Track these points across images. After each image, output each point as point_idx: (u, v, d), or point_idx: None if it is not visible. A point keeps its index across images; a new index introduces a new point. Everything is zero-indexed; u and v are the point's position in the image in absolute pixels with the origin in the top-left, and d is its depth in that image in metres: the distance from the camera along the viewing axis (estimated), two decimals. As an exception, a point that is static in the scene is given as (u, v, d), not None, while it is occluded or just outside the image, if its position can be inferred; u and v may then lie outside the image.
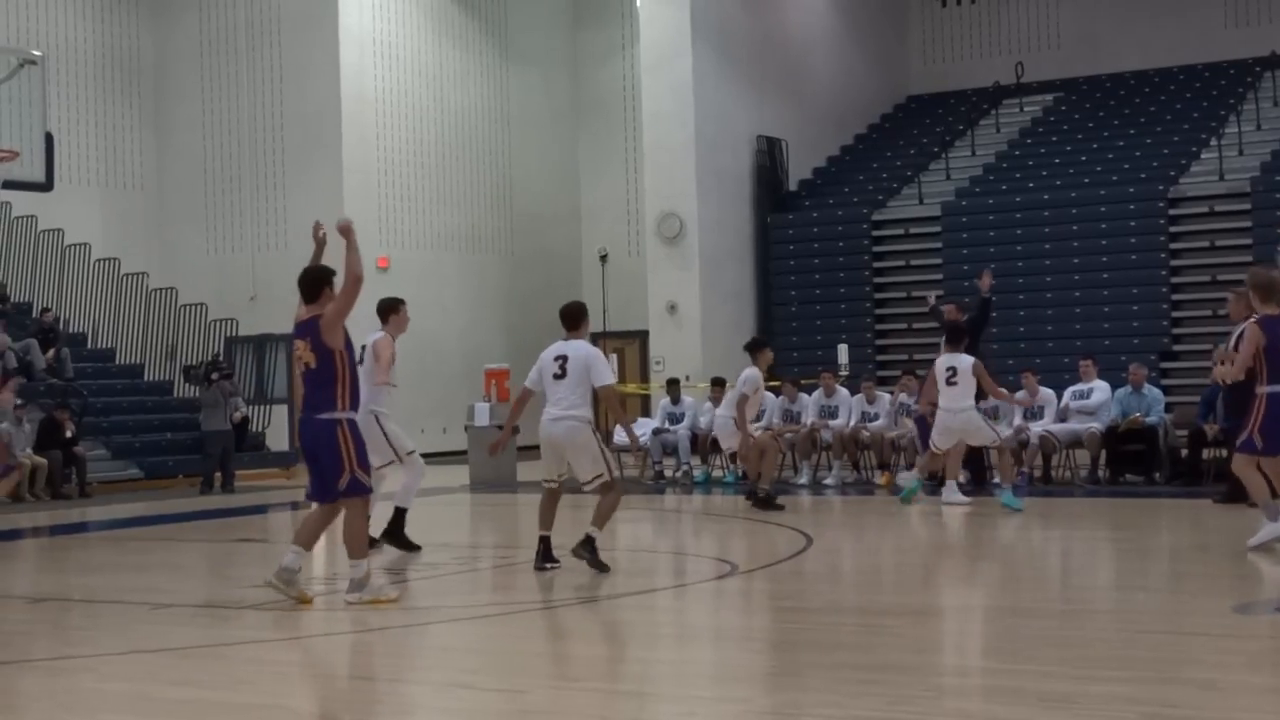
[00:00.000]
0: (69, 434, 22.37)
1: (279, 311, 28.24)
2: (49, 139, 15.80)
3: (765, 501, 16.49)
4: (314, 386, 10.14)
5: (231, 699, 7.53)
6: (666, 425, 22.28)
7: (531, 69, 32.88)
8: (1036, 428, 19.70)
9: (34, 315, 26.93)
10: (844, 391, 21.41)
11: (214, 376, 23.57)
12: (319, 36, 29.08)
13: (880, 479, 20.10)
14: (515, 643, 8.94)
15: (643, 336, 29.74)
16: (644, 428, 22.18)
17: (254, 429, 26.29)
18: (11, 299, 27.37)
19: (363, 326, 12.76)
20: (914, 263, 27.85)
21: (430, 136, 30.62)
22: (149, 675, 8.39)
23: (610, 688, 7.90)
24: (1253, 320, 11.89)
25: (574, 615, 10.09)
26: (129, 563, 11.99)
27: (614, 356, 31.34)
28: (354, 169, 29.07)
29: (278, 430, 27.47)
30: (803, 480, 20.55)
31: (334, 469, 9.92)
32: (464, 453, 23.77)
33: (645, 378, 29.38)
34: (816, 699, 7.32)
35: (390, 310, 13.35)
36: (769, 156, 29.14)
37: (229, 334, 27.79)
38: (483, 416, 23.18)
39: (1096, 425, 19.64)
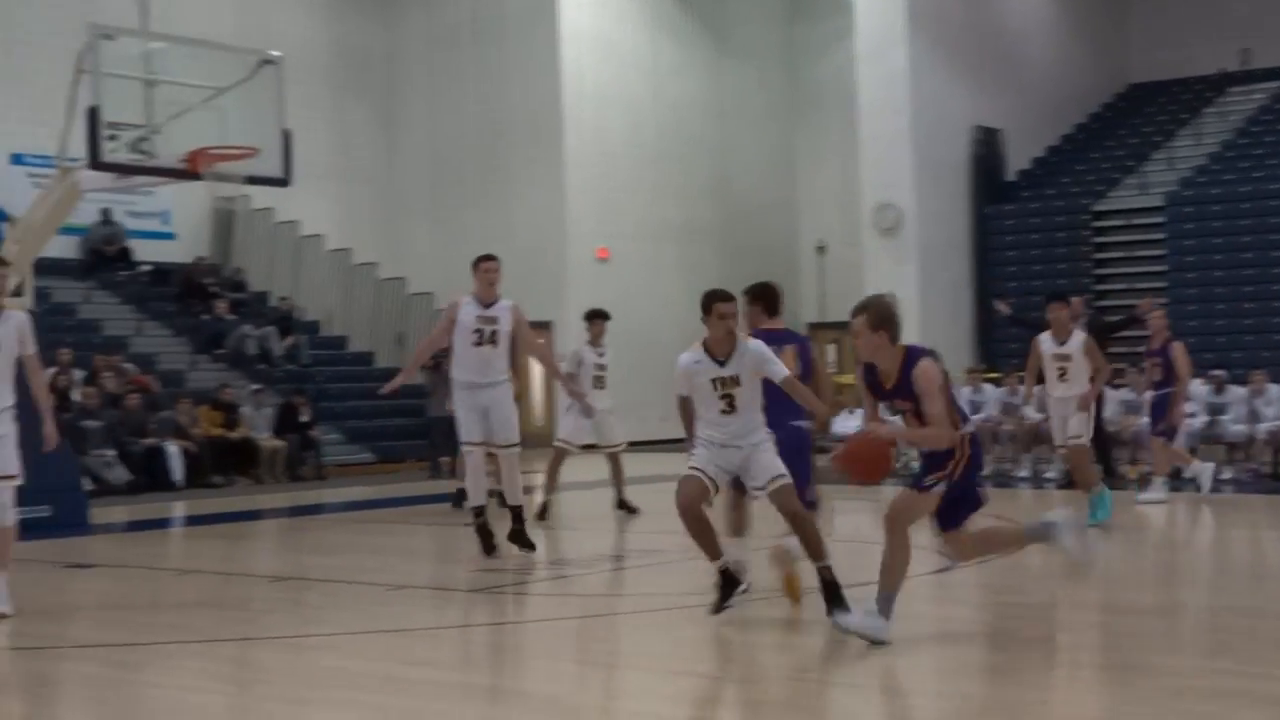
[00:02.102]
0: (305, 419, 23.21)
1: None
2: (286, 136, 16.36)
3: None
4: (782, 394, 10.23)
5: (466, 679, 7.86)
6: (886, 417, 22.26)
7: (747, 62, 33.04)
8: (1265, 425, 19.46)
9: (271, 304, 27.98)
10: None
11: (439, 364, 24.18)
12: (541, 33, 29.62)
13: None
14: (740, 633, 9.15)
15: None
16: (858, 421, 22.20)
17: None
18: (250, 288, 28.44)
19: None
20: (1137, 254, 27.44)
21: (648, 130, 30.98)
22: (387, 654, 8.76)
23: (831, 680, 8.08)
24: None
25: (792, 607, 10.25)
26: (364, 544, 12.51)
27: (833, 347, 31.47)
28: (574, 163, 29.57)
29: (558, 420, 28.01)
30: (1023, 473, 20.44)
31: (804, 476, 9.91)
32: (681, 440, 24.05)
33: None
34: (1038, 696, 7.39)
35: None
36: (986, 146, 28.94)
37: (454, 323, 28.43)
38: (701, 406, 23.40)
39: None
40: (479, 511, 12.35)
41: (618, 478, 16.17)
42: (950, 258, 27.97)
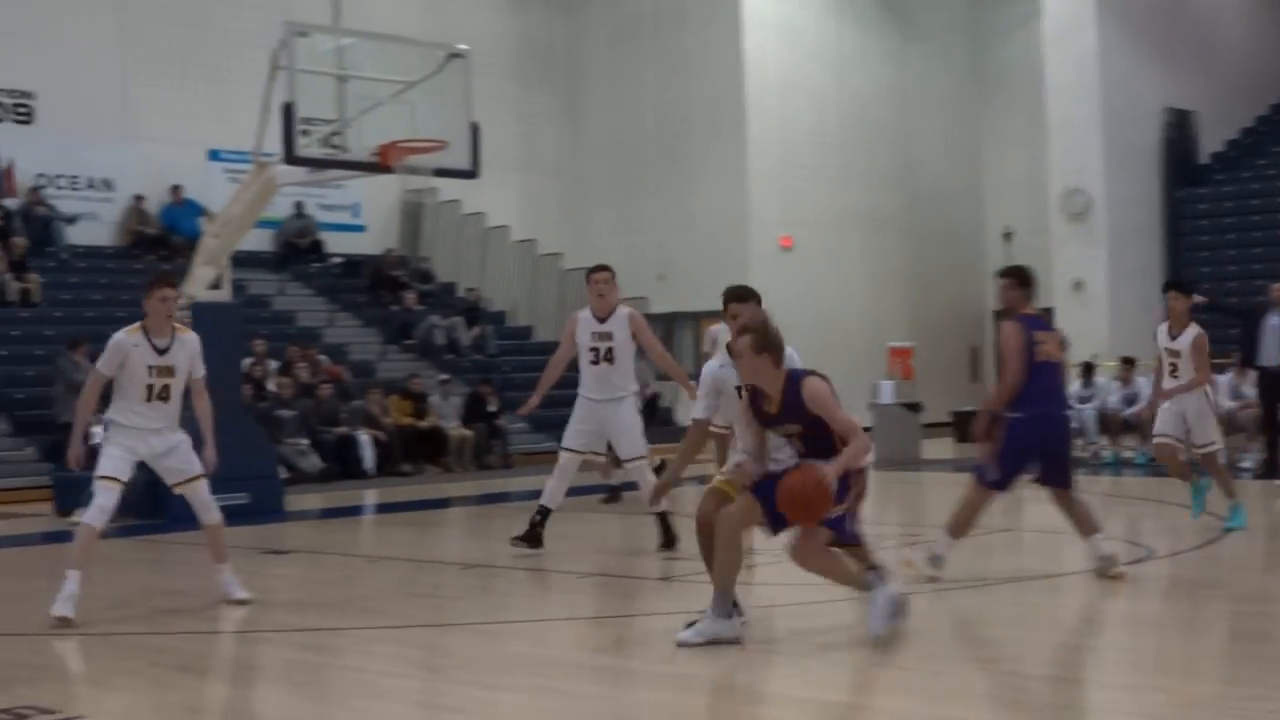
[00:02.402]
0: (492, 408, 23.51)
1: (685, 290, 29.02)
2: (474, 128, 16.56)
3: None
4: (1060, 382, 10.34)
5: (659, 669, 7.92)
6: (1075, 404, 22.01)
7: (932, 46, 32.72)
8: None
9: (459, 295, 28.39)
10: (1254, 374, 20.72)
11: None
12: (722, 22, 29.64)
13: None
14: (925, 622, 9.11)
15: (1048, 314, 29.32)
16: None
17: (663, 405, 27.05)
18: (438, 279, 28.89)
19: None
20: (1335, 238, 26.71)
21: (831, 117, 30.83)
22: (576, 642, 8.89)
23: (1026, 671, 8.00)
24: None
25: (979, 598, 10.18)
26: (551, 532, 12.61)
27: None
28: (757, 151, 29.55)
29: (685, 406, 28.16)
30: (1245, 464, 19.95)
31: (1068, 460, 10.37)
32: (869, 429, 23.96)
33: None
34: (1243, 692, 7.25)
35: None
36: (1178, 129, 28.35)
37: (639, 311, 28.60)
38: (887, 394, 23.35)
39: None
40: (545, 512, 12.22)
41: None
42: (1140, 243, 27.45)
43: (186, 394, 10.13)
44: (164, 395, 9.89)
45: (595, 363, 12.13)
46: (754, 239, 29.49)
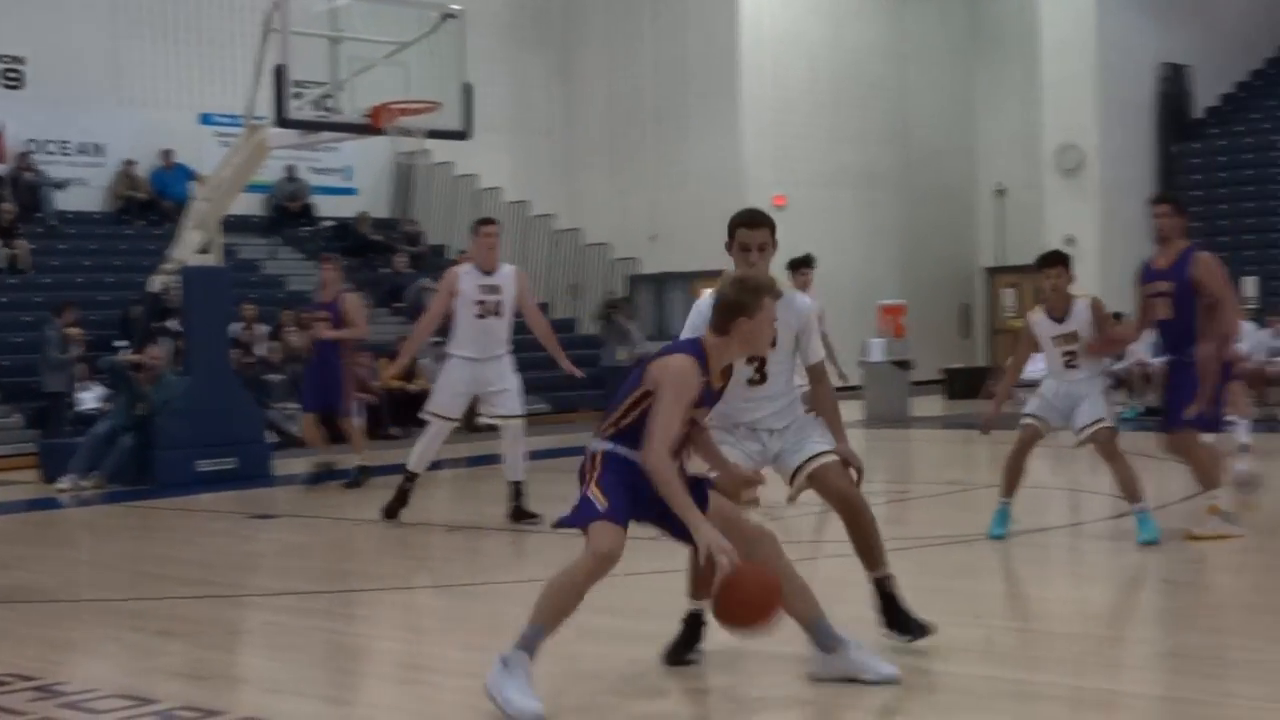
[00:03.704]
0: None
1: (678, 250, 28.95)
2: (468, 89, 16.49)
3: None
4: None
5: (640, 628, 7.90)
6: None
7: (927, 2, 32.58)
8: None
9: (450, 257, 28.30)
10: (1247, 326, 20.81)
11: (610, 314, 24.27)
12: (718, -22, 29.53)
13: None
14: (912, 578, 9.09)
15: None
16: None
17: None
18: (428, 241, 28.81)
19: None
20: (1328, 192, 26.67)
21: (826, 74, 30.71)
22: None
23: (1005, 625, 8.01)
24: None
25: (966, 553, 10.18)
26: (540, 493, 12.58)
27: (1011, 291, 31.01)
28: (751, 109, 29.44)
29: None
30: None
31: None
32: (858, 388, 23.95)
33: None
34: (1226, 642, 7.28)
35: None
36: (1174, 84, 28.27)
37: (629, 272, 28.61)
38: (877, 352, 23.34)
39: None
40: (410, 476, 12.08)
41: None
42: (1134, 198, 27.28)
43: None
44: None
45: (482, 316, 11.79)
46: (749, 197, 29.24)
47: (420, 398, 22.50)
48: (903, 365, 23.59)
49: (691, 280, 29.95)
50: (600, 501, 6.20)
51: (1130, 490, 9.90)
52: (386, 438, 21.70)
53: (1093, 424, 10.07)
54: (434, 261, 27.96)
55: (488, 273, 11.90)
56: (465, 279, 11.84)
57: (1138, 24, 27.65)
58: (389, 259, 26.87)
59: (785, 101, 29.97)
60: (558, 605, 6.22)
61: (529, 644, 6.20)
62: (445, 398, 12.01)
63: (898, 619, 6.93)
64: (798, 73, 30.19)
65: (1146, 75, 28.07)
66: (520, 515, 11.97)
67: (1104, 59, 27.04)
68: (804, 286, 14.70)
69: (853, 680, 6.30)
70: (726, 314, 6.18)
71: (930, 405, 24.38)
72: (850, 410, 22.63)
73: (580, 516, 6.27)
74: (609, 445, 6.31)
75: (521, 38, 30.99)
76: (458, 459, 19.07)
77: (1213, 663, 6.85)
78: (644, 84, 30.69)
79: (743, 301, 6.17)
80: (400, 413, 22.40)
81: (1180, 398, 9.81)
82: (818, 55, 30.57)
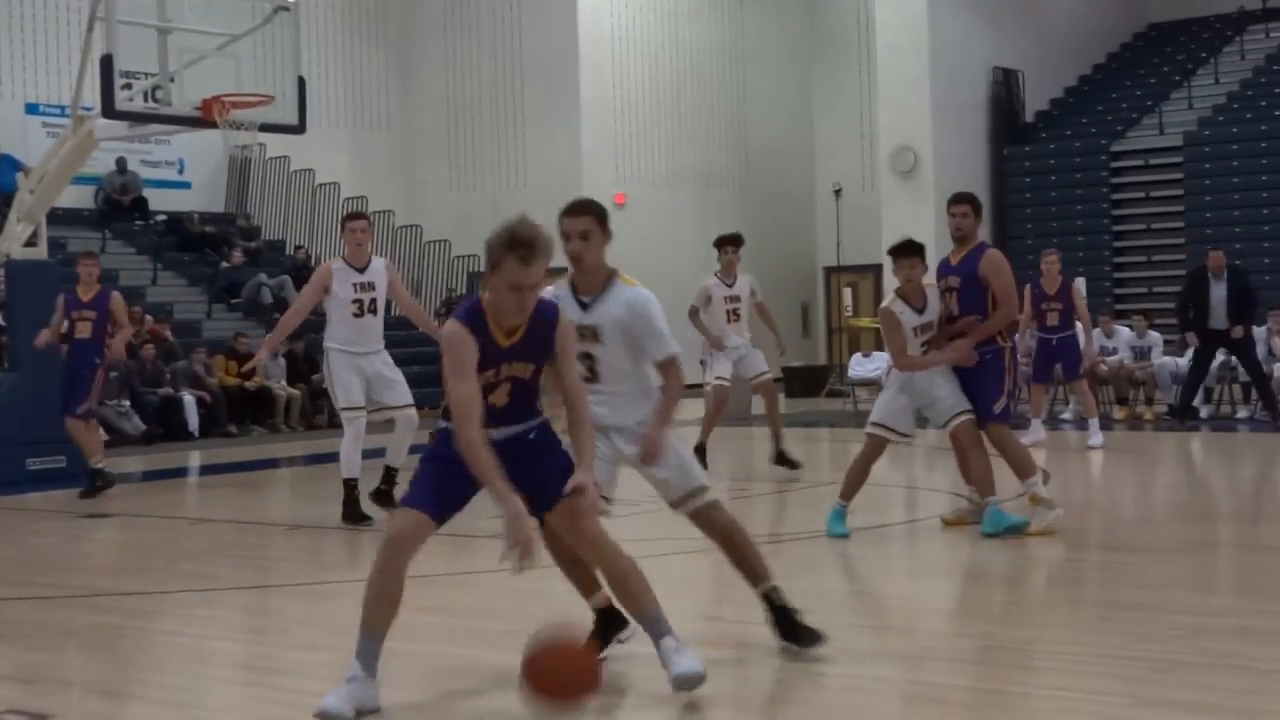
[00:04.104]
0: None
1: (518, 248, 28.84)
2: (302, 83, 16.30)
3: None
4: None
5: (481, 626, 7.86)
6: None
7: (766, 4, 32.84)
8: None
9: (287, 252, 27.96)
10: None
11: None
12: (557, -26, 29.48)
13: (1118, 413, 20.17)
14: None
15: (876, 271, 29.68)
16: (877, 362, 22.29)
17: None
18: (265, 236, 28.41)
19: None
20: (1154, 194, 27.31)
21: (666, 74, 30.83)
22: (404, 601, 8.78)
23: (842, 621, 8.06)
24: None
25: (806, 550, 10.25)
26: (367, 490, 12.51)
27: (848, 290, 31.36)
28: (591, 107, 29.45)
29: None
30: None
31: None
32: (698, 386, 24.03)
33: (878, 313, 29.30)
34: (1058, 635, 7.39)
35: None
36: (1005, 88, 28.79)
37: (471, 269, 28.45)
38: (717, 351, 23.38)
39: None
40: (352, 485, 11.72)
41: (774, 423, 14.84)
42: (967, 200, 27.84)
43: None
44: None
45: (359, 315, 11.64)
46: (588, 195, 29.35)
47: (257, 395, 22.32)
48: (742, 363, 23.67)
49: (531, 278, 29.89)
50: (409, 488, 6.15)
51: (986, 482, 10.06)
52: (224, 436, 21.40)
53: (957, 415, 10.17)
54: (271, 257, 27.60)
55: (360, 269, 11.75)
56: (339, 276, 11.67)
57: (970, 29, 28.12)
58: (225, 254, 26.44)
59: (625, 100, 30.04)
60: (369, 599, 6.18)
61: (361, 653, 6.15)
62: (343, 390, 11.74)
63: (791, 629, 6.90)
64: (637, 71, 30.27)
65: (979, 79, 28.56)
66: (384, 500, 11.83)
67: (936, 62, 27.45)
68: (728, 268, 14.79)
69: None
70: (487, 265, 5.97)
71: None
72: (688, 409, 22.81)
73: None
74: (442, 422, 6.21)
75: (357, 31, 30.70)
76: (294, 457, 18.87)
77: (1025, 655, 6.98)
78: (482, 80, 30.56)
79: (489, 254, 5.92)
80: (237, 411, 22.09)
81: (986, 391, 10.02)
82: (657, 54, 30.68)
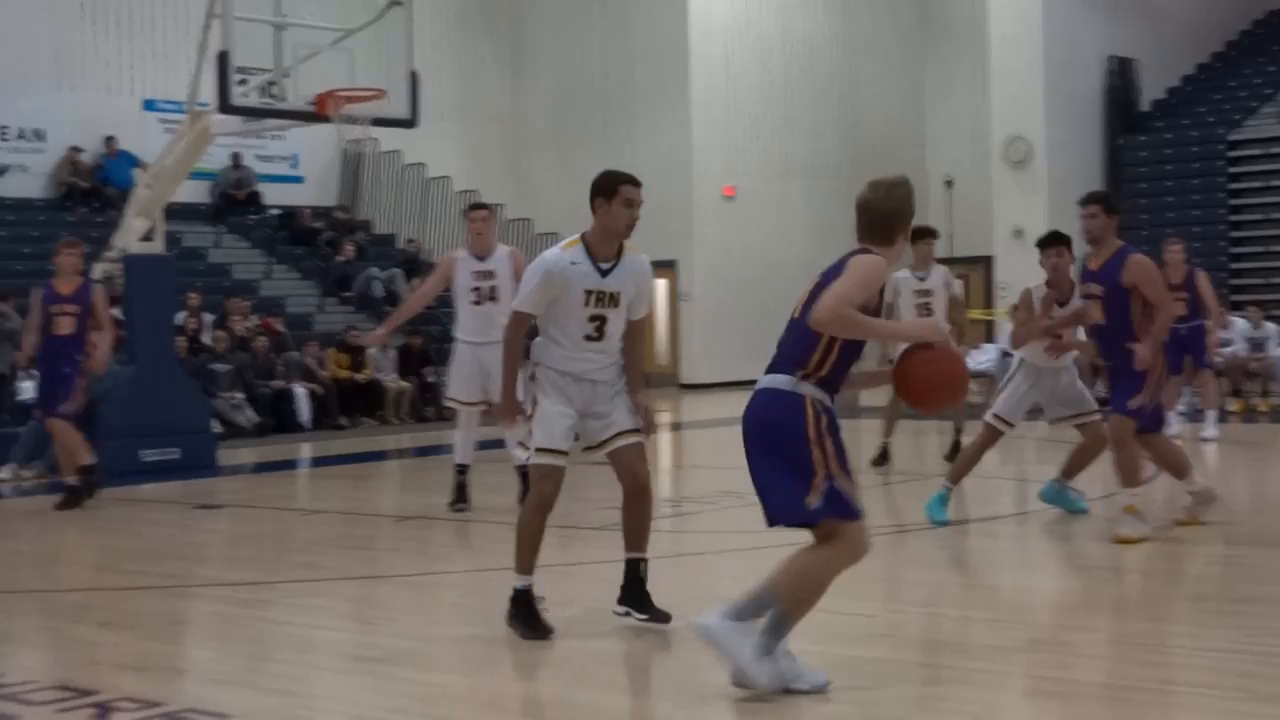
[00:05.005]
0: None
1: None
2: (414, 77, 16.38)
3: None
4: None
5: (583, 616, 7.83)
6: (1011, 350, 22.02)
7: (876, -7, 32.62)
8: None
9: (398, 246, 28.16)
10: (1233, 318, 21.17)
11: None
12: (668, -32, 29.46)
13: (1233, 405, 19.90)
14: (861, 567, 9.06)
15: (988, 262, 29.38)
16: (989, 354, 22.10)
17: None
18: (377, 229, 28.64)
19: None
20: (1273, 184, 26.81)
21: (776, 65, 30.70)
22: (505, 592, 8.79)
23: (954, 614, 7.99)
24: None
25: (914, 542, 10.18)
26: (487, 483, 12.53)
27: (959, 282, 31.09)
28: (701, 100, 29.40)
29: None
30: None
31: None
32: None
33: (990, 303, 29.05)
34: (1170, 630, 7.31)
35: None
36: (1120, 77, 28.38)
37: (580, 262, 28.52)
38: (827, 343, 23.34)
39: None
40: (462, 469, 11.94)
41: (890, 421, 14.76)
42: (1081, 191, 27.01)
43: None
44: None
45: (478, 303, 11.73)
46: (698, 188, 29.37)
47: (367, 388, 22.50)
48: (851, 355, 23.60)
49: (640, 270, 29.91)
50: (848, 491, 5.99)
51: (1130, 473, 9.76)
52: (334, 428, 21.59)
53: (1087, 413, 10.51)
54: (382, 250, 27.82)
55: (481, 258, 11.82)
56: (460, 266, 11.81)
57: (1084, 17, 27.76)
58: (337, 247, 26.68)
59: (734, 92, 29.95)
60: (805, 595, 6.07)
61: (776, 630, 6.03)
62: (457, 383, 11.96)
63: (638, 598, 7.40)
64: (747, 63, 30.17)
65: (1093, 68, 28.18)
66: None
67: (1050, 52, 27.13)
68: (922, 261, 14.43)
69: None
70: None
71: (879, 395, 24.35)
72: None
73: (834, 509, 5.98)
74: (817, 392, 6.03)
75: (469, 25, 30.85)
76: (403, 450, 19.00)
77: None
78: (593, 73, 30.61)
79: None
80: (348, 404, 22.27)
81: (1127, 387, 9.64)
82: (767, 46, 30.56)
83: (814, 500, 5.91)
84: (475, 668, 6.97)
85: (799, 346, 6.02)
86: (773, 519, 6.09)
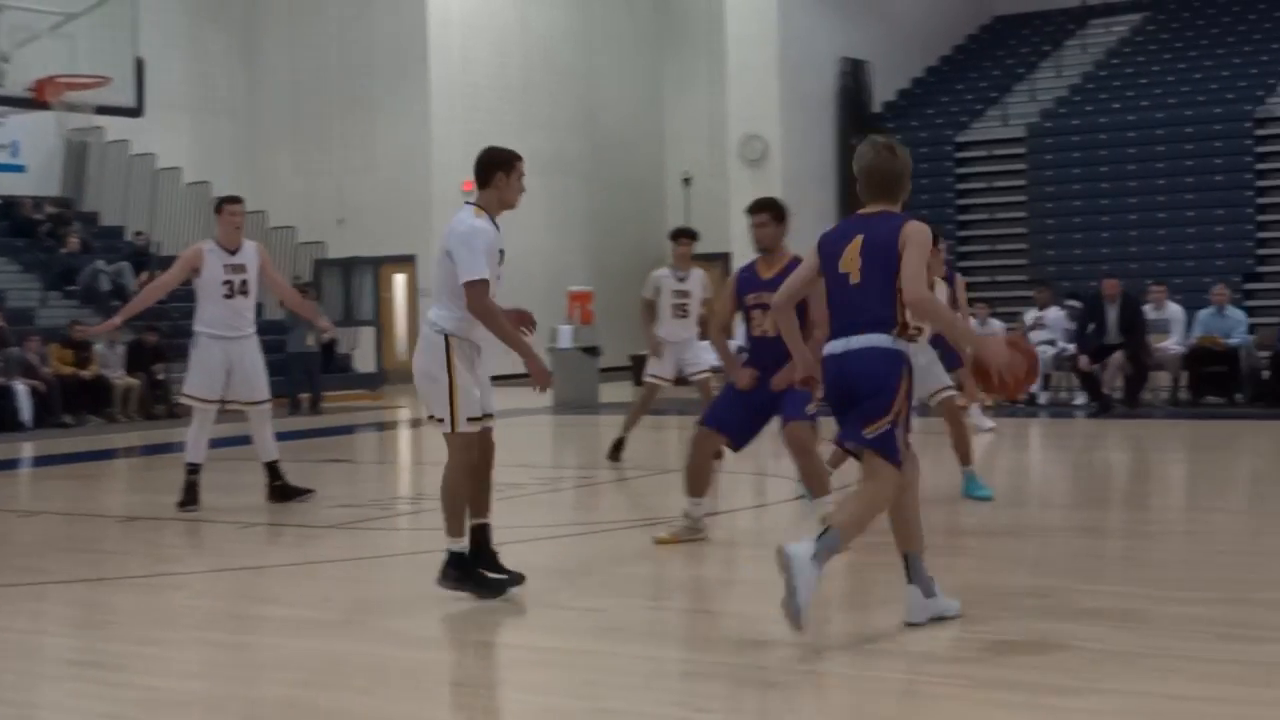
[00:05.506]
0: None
1: (366, 235, 28.56)
2: (140, 64, 15.99)
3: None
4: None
5: (319, 616, 7.71)
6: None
7: (615, -9, 32.82)
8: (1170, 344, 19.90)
9: (126, 238, 27.36)
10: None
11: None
12: (405, -41, 29.20)
13: (960, 400, 20.39)
14: (595, 562, 9.07)
15: (725, 259, 29.76)
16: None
17: (341, 351, 26.63)
18: (102, 221, 27.80)
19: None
20: (997, 184, 27.71)
21: (515, 60, 30.68)
22: (237, 593, 8.60)
23: (687, 606, 8.03)
24: None
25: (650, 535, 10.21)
26: (218, 482, 12.24)
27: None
28: (440, 93, 29.24)
29: (364, 352, 27.81)
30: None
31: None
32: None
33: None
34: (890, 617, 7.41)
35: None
36: (853, 78, 29.02)
37: (317, 256, 28.12)
38: (565, 338, 23.41)
39: (1175, 347, 19.78)
40: (193, 469, 11.69)
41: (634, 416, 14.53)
42: (815, 189, 28.04)
43: None
44: None
45: (230, 296, 11.51)
46: (437, 183, 29.17)
47: (93, 384, 21.81)
48: (591, 351, 23.74)
49: (380, 264, 29.62)
50: (901, 440, 6.70)
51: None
52: (58, 426, 20.90)
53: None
54: (110, 243, 27.01)
55: (232, 251, 11.58)
56: (210, 258, 11.51)
57: (819, 19, 28.31)
58: (61, 239, 25.81)
59: (473, 87, 29.84)
60: (864, 521, 6.65)
61: (832, 546, 6.45)
62: (198, 380, 11.67)
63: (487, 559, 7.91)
64: (486, 57, 30.09)
65: (827, 69, 28.75)
66: (287, 494, 11.83)
67: (786, 52, 27.61)
68: (681, 260, 14.16)
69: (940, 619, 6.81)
70: None
71: (619, 391, 24.55)
72: (537, 397, 22.76)
73: (883, 446, 6.63)
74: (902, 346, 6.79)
75: (200, 13, 30.18)
76: (131, 448, 18.49)
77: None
78: (330, 65, 30.18)
79: None
80: (73, 401, 21.58)
81: (794, 397, 9.31)
82: (506, 41, 30.52)
83: (870, 432, 6.59)
84: (203, 671, 6.78)
85: (888, 307, 6.71)
86: (838, 440, 6.83)
